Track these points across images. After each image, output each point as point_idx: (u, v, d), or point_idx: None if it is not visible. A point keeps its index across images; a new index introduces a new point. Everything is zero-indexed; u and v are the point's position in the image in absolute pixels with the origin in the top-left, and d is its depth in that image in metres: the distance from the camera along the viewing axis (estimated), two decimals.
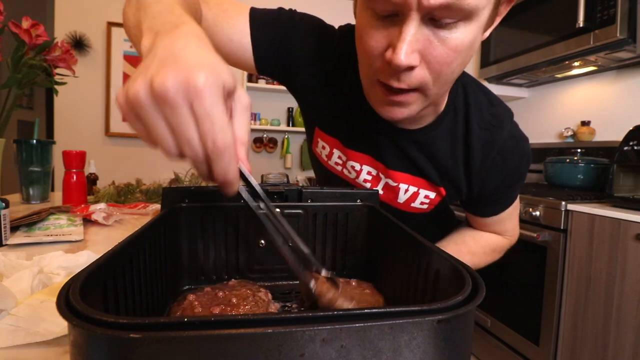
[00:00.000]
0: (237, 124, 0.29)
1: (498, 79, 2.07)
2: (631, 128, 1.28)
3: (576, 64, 1.68)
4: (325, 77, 0.60)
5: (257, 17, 0.56)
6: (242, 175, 0.31)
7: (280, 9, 0.60)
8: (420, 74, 0.42)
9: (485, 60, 2.07)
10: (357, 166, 0.63)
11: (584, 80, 1.88)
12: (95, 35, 2.65)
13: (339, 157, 0.64)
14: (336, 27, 0.62)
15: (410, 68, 0.41)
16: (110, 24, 2.67)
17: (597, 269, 1.21)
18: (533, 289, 1.42)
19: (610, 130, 1.74)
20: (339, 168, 0.66)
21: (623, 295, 1.13)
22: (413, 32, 0.38)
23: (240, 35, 0.55)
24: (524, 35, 1.79)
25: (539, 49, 1.69)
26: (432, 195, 0.61)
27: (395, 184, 0.61)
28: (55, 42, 0.91)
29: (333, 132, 0.63)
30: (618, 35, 1.35)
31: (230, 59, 0.57)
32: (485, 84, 2.12)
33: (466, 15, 0.38)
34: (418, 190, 0.61)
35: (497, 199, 0.63)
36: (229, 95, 0.28)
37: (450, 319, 0.20)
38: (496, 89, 2.14)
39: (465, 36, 0.39)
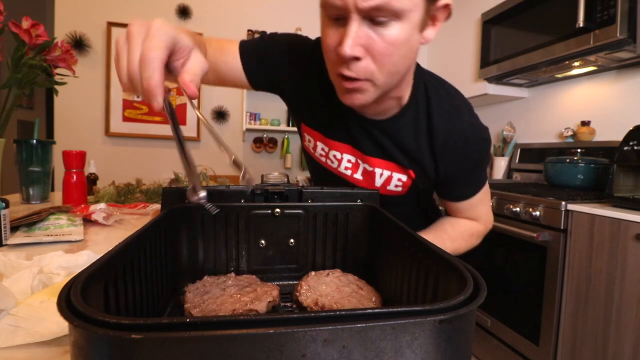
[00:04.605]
0: (188, 63, 0.39)
1: (498, 79, 2.07)
2: (631, 128, 1.28)
3: (576, 64, 1.68)
4: (304, 78, 0.69)
5: (245, 43, 0.70)
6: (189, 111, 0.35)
7: (264, 33, 0.73)
8: (365, 64, 0.51)
9: (485, 60, 2.07)
10: (338, 155, 0.71)
11: (584, 80, 1.87)
12: (95, 35, 2.65)
13: (322, 149, 0.73)
14: None
15: (357, 59, 0.50)
16: (110, 24, 2.66)
17: (597, 269, 1.21)
18: (533, 289, 1.42)
19: (610, 130, 1.74)
20: (323, 159, 0.74)
21: (623, 295, 1.13)
22: (355, 30, 0.48)
23: (233, 58, 0.68)
24: (524, 35, 1.78)
25: (539, 49, 1.69)
26: (404, 178, 0.69)
27: (372, 169, 0.69)
28: (55, 42, 0.90)
29: (315, 125, 0.72)
30: (618, 35, 1.35)
31: (229, 80, 0.71)
32: (485, 84, 2.11)
33: (396, 14, 0.47)
34: (391, 173, 0.69)
35: (464, 182, 0.70)
36: (181, 50, 0.38)
37: (452, 319, 0.20)
38: (496, 89, 2.13)
39: (399, 33, 0.49)
